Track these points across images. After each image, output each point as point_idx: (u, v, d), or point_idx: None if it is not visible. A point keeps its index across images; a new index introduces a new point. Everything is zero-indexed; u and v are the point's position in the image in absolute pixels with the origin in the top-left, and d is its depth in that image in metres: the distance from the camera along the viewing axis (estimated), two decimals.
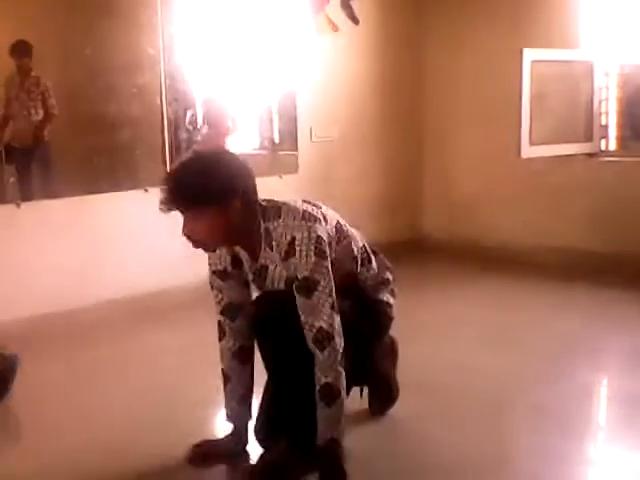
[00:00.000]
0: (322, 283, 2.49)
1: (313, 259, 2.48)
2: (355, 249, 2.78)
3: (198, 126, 5.33)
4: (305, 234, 2.49)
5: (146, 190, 4.90)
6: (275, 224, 2.54)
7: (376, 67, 6.21)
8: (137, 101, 4.94)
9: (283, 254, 2.52)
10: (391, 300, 2.94)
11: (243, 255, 2.69)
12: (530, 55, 5.35)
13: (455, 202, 6.49)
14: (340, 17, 5.79)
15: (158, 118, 5.04)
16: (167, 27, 5.01)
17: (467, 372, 3.71)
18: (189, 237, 2.55)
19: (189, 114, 5.25)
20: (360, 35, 6.01)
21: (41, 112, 4.64)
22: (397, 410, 3.19)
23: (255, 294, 2.79)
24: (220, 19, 5.27)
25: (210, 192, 2.44)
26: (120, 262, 4.86)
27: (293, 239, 2.50)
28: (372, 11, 6.11)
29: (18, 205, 4.48)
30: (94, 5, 4.73)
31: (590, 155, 5.78)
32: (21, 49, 4.50)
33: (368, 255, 2.88)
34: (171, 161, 5.05)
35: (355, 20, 5.90)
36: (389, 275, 2.96)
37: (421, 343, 4.08)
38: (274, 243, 2.54)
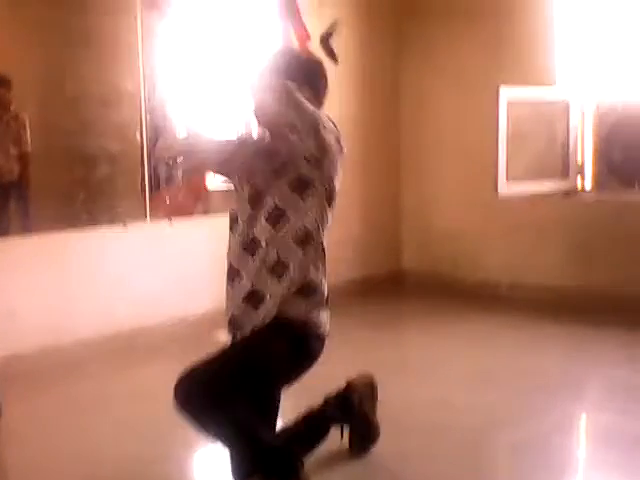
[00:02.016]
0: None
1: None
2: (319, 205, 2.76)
3: (178, 161, 5.32)
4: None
5: (124, 224, 4.90)
6: None
7: (354, 105, 6.25)
8: (117, 136, 4.94)
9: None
10: (320, 318, 2.79)
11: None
12: (507, 93, 5.43)
13: (434, 239, 6.52)
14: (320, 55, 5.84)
15: (138, 153, 5.03)
16: (148, 62, 5.02)
17: (447, 409, 3.71)
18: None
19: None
20: (338, 73, 6.02)
21: (18, 147, 4.62)
22: (378, 449, 3.17)
23: None
24: (201, 54, 5.30)
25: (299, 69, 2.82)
26: (100, 298, 4.82)
27: None
28: (350, 49, 6.17)
29: None
30: (74, 39, 4.73)
31: (566, 193, 5.85)
32: None
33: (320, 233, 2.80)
34: (150, 196, 5.05)
35: (334, 59, 5.94)
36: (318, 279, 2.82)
37: (401, 381, 4.08)
38: None
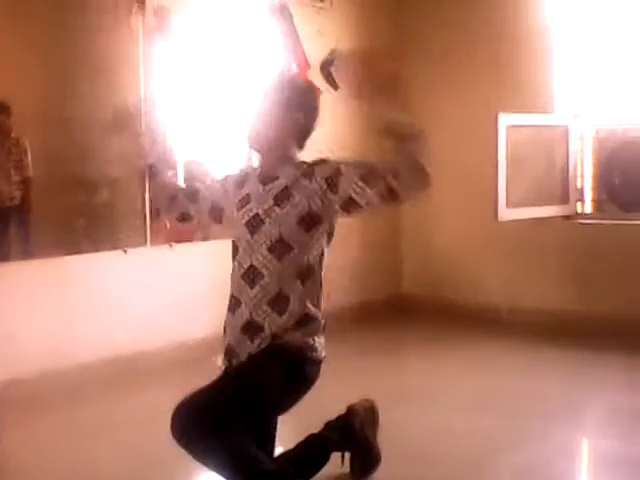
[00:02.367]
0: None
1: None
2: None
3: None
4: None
5: (125, 251, 4.90)
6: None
7: (353, 131, 6.27)
8: (118, 161, 4.95)
9: (307, 169, 2.75)
10: (315, 342, 2.79)
11: (250, 174, 2.89)
12: (505, 120, 5.45)
13: (433, 263, 6.52)
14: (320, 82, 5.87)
15: (139, 179, 5.04)
16: (149, 86, 5.05)
17: (447, 435, 3.69)
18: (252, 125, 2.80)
19: (170, 174, 5.26)
20: (337, 100, 6.04)
21: (19, 173, 4.64)
22: (379, 475, 3.16)
23: None
24: (202, 79, 5.33)
25: (297, 98, 2.85)
26: (100, 323, 4.82)
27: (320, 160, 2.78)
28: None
29: None
30: (75, 65, 4.76)
31: (566, 218, 5.86)
32: None
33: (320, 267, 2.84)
34: (151, 221, 5.06)
35: (334, 86, 5.97)
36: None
37: (401, 407, 4.06)
38: (303, 169, 2.75)
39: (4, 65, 4.52)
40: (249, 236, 2.75)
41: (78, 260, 4.75)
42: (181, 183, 5.27)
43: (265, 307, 2.70)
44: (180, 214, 3.11)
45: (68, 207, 4.79)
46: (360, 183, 2.62)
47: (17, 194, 4.65)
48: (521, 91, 5.88)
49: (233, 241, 2.85)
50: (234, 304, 2.80)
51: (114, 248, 4.89)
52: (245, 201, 2.83)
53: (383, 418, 3.25)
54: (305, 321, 2.73)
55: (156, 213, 3.23)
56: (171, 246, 5.12)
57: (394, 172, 2.58)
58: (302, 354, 2.72)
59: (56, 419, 4.08)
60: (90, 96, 4.81)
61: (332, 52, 6.21)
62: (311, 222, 2.71)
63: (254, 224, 2.75)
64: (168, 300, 5.09)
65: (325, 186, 2.68)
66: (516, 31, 5.94)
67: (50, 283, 4.66)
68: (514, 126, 5.49)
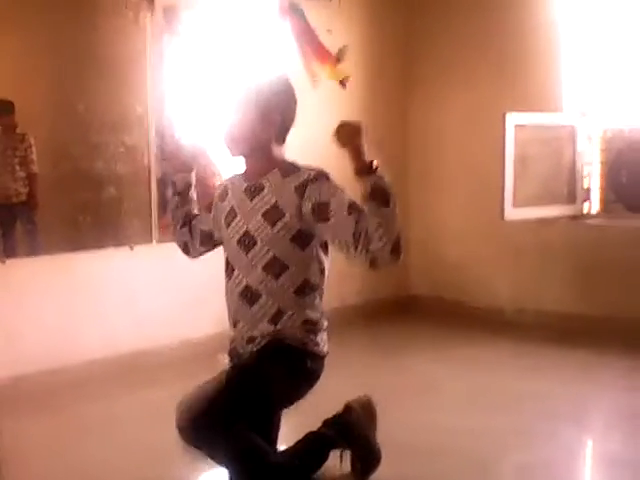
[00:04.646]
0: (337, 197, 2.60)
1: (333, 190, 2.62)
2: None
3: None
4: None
5: (132, 248, 4.91)
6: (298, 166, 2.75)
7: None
8: (125, 159, 4.97)
9: (298, 182, 2.65)
10: (317, 338, 2.80)
11: (234, 183, 2.83)
12: (513, 119, 5.44)
13: (441, 263, 6.51)
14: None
15: (145, 176, 5.06)
16: (156, 86, 5.06)
17: (451, 434, 3.68)
18: (228, 131, 2.75)
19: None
20: (346, 102, 6.06)
21: (25, 169, 4.66)
22: (380, 473, 3.15)
23: None
24: (210, 78, 5.33)
25: (270, 98, 2.73)
26: (106, 320, 4.83)
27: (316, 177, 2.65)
28: (359, 77, 6.19)
29: (3, 262, 4.46)
30: (83, 63, 4.77)
31: (573, 218, 5.84)
32: (1, 108, 4.53)
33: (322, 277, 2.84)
34: (158, 219, 5.06)
35: (342, 84, 5.99)
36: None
37: (405, 405, 4.06)
38: (292, 176, 2.68)
39: (10, 61, 4.54)
40: (243, 255, 2.74)
41: (84, 257, 4.76)
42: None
43: (267, 324, 2.72)
44: (183, 243, 3.13)
45: (74, 204, 4.81)
46: (349, 239, 2.56)
47: (23, 190, 4.66)
48: (529, 90, 5.86)
49: (226, 258, 2.84)
50: (234, 319, 2.81)
51: (120, 245, 4.90)
52: (231, 216, 2.81)
53: (388, 416, 3.25)
54: (306, 324, 2.74)
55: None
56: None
57: (383, 242, 2.56)
58: (305, 349, 2.73)
59: (61, 415, 4.09)
60: (97, 93, 4.83)
61: (342, 50, 6.25)
62: (305, 239, 2.70)
63: (246, 242, 2.73)
64: (174, 297, 5.10)
65: (312, 213, 2.64)
66: (524, 30, 5.93)
67: (56, 280, 4.68)
68: (522, 125, 5.48)
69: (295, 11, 5.62)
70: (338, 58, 5.89)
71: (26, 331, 4.49)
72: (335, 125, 2.59)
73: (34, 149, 4.65)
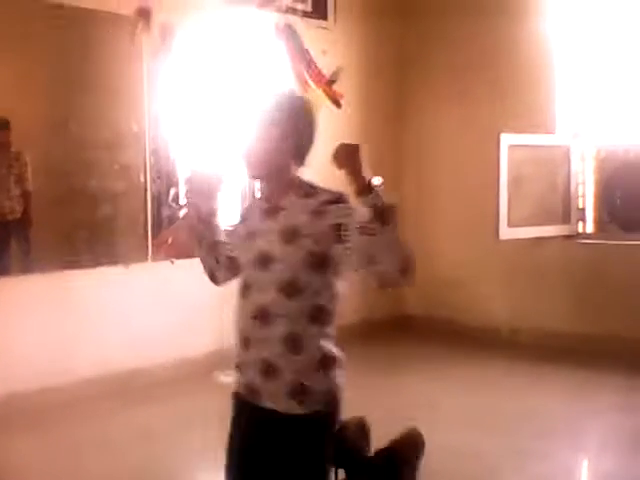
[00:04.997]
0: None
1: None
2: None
3: (180, 204, 5.35)
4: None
5: (126, 266, 4.90)
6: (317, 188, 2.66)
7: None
8: (120, 177, 4.97)
9: (317, 204, 2.57)
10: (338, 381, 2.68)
11: (254, 204, 2.80)
12: (507, 140, 5.47)
13: (436, 283, 6.50)
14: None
15: (141, 194, 5.06)
16: (153, 104, 5.07)
17: (447, 453, 3.66)
18: (247, 153, 2.68)
19: (172, 192, 5.27)
20: (340, 121, 6.08)
21: (20, 186, 4.65)
22: None
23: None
24: (206, 97, 5.35)
25: (290, 119, 2.62)
26: (99, 339, 4.81)
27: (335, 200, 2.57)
28: (353, 98, 6.22)
29: None
30: (79, 81, 4.79)
31: (567, 237, 5.86)
32: None
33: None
34: (153, 237, 5.06)
35: (337, 103, 6.02)
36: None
37: (403, 424, 4.03)
38: (311, 198, 2.61)
39: (6, 80, 4.54)
40: (258, 275, 2.72)
41: (78, 275, 4.75)
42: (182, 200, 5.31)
43: (279, 347, 2.66)
44: (210, 271, 3.05)
45: (69, 221, 4.80)
46: (362, 260, 2.54)
47: (18, 208, 4.65)
48: (523, 111, 5.89)
49: (243, 279, 2.81)
50: (244, 344, 2.76)
51: (115, 263, 4.89)
52: (251, 238, 2.80)
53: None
54: (325, 362, 2.69)
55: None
56: (172, 262, 5.11)
57: (391, 261, 2.53)
58: (334, 403, 2.69)
59: (55, 433, 4.07)
60: (93, 111, 4.84)
61: (336, 71, 6.29)
62: (323, 264, 2.67)
63: (262, 262, 2.71)
64: (169, 316, 5.08)
65: (329, 235, 2.63)
66: (518, 52, 5.97)
67: (50, 298, 4.66)
68: (516, 146, 5.51)
69: (290, 32, 5.65)
70: (332, 79, 5.93)
71: (19, 349, 4.47)
72: (333, 146, 2.58)
73: (29, 167, 4.65)
